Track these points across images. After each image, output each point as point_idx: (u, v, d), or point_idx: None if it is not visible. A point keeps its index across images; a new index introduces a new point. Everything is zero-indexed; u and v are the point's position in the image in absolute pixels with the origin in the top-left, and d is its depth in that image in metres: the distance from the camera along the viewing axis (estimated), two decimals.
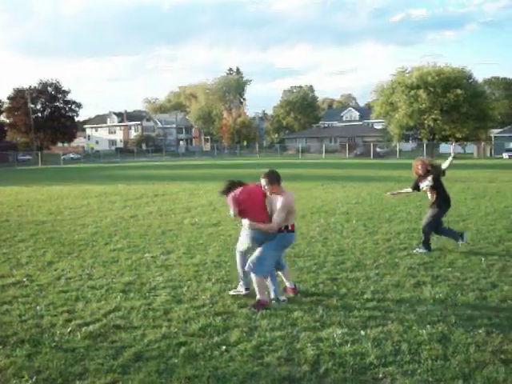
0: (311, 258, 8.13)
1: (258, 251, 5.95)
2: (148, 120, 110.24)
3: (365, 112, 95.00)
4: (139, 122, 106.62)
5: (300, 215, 12.58)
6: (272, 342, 4.86)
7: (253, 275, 5.91)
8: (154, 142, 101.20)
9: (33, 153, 70.63)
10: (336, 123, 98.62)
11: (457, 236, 8.59)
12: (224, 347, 4.77)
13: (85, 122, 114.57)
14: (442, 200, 8.57)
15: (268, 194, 6.00)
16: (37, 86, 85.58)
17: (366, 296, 6.21)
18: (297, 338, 4.97)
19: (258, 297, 5.90)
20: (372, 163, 43.28)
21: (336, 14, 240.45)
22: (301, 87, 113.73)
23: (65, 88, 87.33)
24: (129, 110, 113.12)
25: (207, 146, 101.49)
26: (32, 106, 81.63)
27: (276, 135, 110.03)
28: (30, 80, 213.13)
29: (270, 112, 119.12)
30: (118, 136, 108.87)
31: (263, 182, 5.93)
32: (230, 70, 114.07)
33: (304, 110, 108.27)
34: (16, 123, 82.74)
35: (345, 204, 14.59)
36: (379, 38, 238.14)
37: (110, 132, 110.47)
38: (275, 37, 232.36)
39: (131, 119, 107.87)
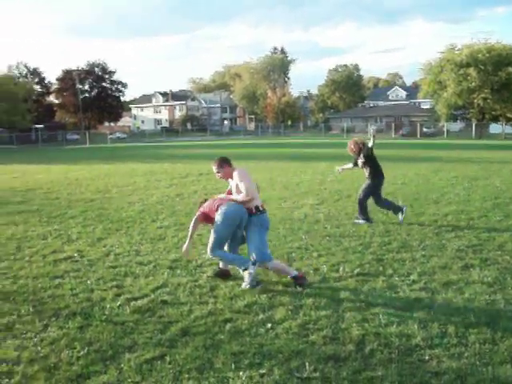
0: (357, 239, 8.08)
1: (253, 246, 5.91)
2: (193, 100, 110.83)
3: (412, 91, 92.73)
4: (184, 102, 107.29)
5: (346, 195, 12.50)
6: (317, 321, 4.88)
7: (268, 265, 5.96)
8: (198, 121, 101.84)
9: (81, 132, 72.20)
10: (382, 102, 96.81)
11: (396, 209, 9.35)
12: (269, 325, 4.81)
13: (131, 102, 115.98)
14: (375, 174, 9.40)
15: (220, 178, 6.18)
16: (84, 66, 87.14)
17: (412, 277, 6.14)
18: (342, 317, 4.97)
19: (291, 275, 5.93)
20: (418, 143, 42.44)
21: None
22: (346, 66, 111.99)
23: (111, 68, 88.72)
24: (174, 90, 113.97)
25: (251, 126, 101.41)
26: (80, 86, 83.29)
27: (321, 115, 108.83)
28: (77, 61, 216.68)
29: (314, 91, 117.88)
30: (164, 115, 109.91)
31: (214, 169, 6.16)
32: (275, 49, 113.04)
33: (349, 88, 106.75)
34: (65, 103, 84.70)
35: (391, 184, 14.35)
36: (427, 15, 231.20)
37: (156, 111, 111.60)
38: (320, 15, 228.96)
39: (176, 99, 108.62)
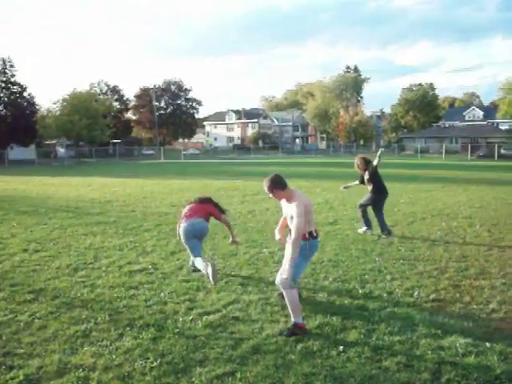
0: (432, 263, 7.83)
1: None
2: (265, 118, 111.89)
3: (489, 111, 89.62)
4: (256, 120, 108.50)
5: (420, 218, 12.18)
6: (391, 347, 4.75)
7: (284, 291, 5.27)
8: (270, 139, 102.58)
9: (156, 148, 74.40)
10: (458, 123, 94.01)
11: (385, 228, 9.96)
12: (341, 347, 4.73)
13: (204, 119, 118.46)
14: (378, 189, 10.14)
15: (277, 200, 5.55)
16: (161, 84, 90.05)
17: (491, 306, 5.87)
18: (416, 344, 4.82)
19: (293, 319, 5.22)
20: (496, 165, 40.83)
21: (460, 8, 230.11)
22: (421, 85, 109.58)
23: (187, 86, 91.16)
24: (246, 108, 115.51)
25: (323, 145, 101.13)
26: (156, 103, 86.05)
27: (394, 134, 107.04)
28: (154, 79, 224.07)
29: (387, 110, 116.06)
30: (236, 133, 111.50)
31: (266, 190, 5.45)
32: (348, 68, 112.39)
33: (424, 108, 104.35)
34: (141, 120, 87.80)
35: (467, 208, 13.90)
36: (508, 32, 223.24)
37: (228, 129, 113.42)
38: (395, 34, 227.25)
39: (248, 117, 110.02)
